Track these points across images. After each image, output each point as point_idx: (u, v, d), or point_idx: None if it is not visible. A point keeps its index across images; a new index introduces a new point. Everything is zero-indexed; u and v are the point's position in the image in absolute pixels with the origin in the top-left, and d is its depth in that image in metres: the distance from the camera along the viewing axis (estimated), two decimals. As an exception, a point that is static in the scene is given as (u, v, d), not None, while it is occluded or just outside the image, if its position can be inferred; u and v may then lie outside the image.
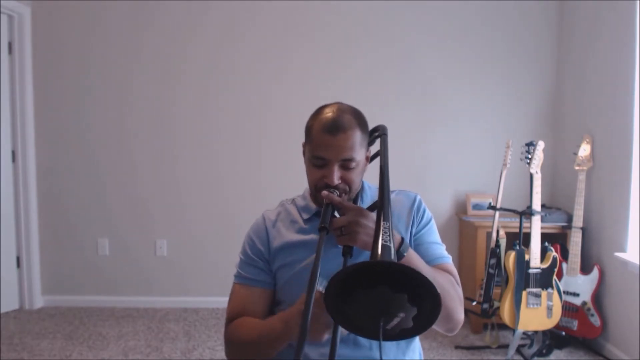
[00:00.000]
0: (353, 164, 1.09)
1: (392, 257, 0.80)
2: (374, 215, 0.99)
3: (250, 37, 3.40)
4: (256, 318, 1.14)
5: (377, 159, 1.14)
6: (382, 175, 1.00)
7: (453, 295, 1.08)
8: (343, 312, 0.81)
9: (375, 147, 1.20)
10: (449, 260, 1.18)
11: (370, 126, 1.20)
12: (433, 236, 1.21)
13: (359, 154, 1.11)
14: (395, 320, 0.77)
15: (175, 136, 3.46)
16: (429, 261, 1.14)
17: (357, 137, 1.09)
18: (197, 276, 3.52)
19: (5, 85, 3.28)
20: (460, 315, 1.10)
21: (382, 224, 0.85)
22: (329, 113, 1.11)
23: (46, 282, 3.52)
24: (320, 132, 1.09)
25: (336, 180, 1.08)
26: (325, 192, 1.04)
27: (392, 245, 0.81)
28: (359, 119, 1.13)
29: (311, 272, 0.85)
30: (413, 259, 1.02)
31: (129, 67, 3.42)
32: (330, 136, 1.07)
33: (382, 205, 0.91)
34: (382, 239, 0.82)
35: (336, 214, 1.01)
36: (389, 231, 0.84)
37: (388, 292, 0.75)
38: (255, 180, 3.46)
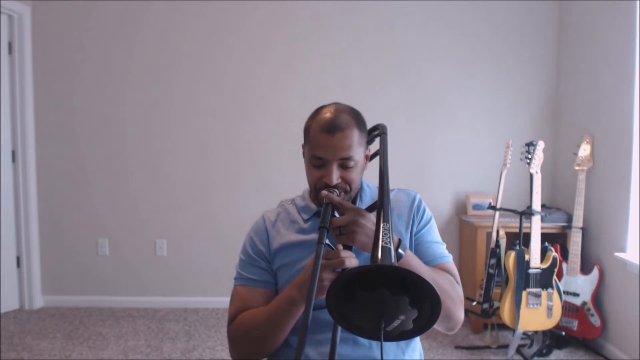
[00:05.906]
0: (351, 163, 1.09)
1: (392, 259, 0.80)
2: (372, 216, 0.99)
3: (246, 37, 3.39)
4: None
5: (376, 158, 1.14)
6: (381, 175, 1.00)
7: (452, 296, 1.08)
8: (343, 313, 0.81)
9: (375, 146, 1.20)
10: (449, 260, 1.18)
11: (370, 125, 1.20)
12: (433, 235, 1.21)
13: (358, 153, 1.10)
14: (396, 323, 0.78)
15: (176, 136, 3.46)
16: (430, 261, 1.15)
17: (355, 137, 1.09)
18: (197, 276, 3.51)
19: (5, 85, 3.28)
20: (460, 315, 1.11)
21: (382, 225, 0.86)
22: (326, 113, 1.11)
23: (46, 282, 3.52)
24: (318, 132, 1.09)
25: (335, 180, 1.08)
26: (324, 192, 1.04)
27: (392, 247, 0.82)
28: (357, 118, 1.13)
29: (311, 273, 0.84)
30: (411, 259, 1.03)
31: (130, 68, 3.42)
32: (328, 136, 1.08)
33: (381, 205, 0.91)
34: (383, 241, 0.82)
35: (336, 213, 1.01)
36: (389, 233, 0.84)
37: (389, 295, 0.76)
38: (256, 180, 3.46)
